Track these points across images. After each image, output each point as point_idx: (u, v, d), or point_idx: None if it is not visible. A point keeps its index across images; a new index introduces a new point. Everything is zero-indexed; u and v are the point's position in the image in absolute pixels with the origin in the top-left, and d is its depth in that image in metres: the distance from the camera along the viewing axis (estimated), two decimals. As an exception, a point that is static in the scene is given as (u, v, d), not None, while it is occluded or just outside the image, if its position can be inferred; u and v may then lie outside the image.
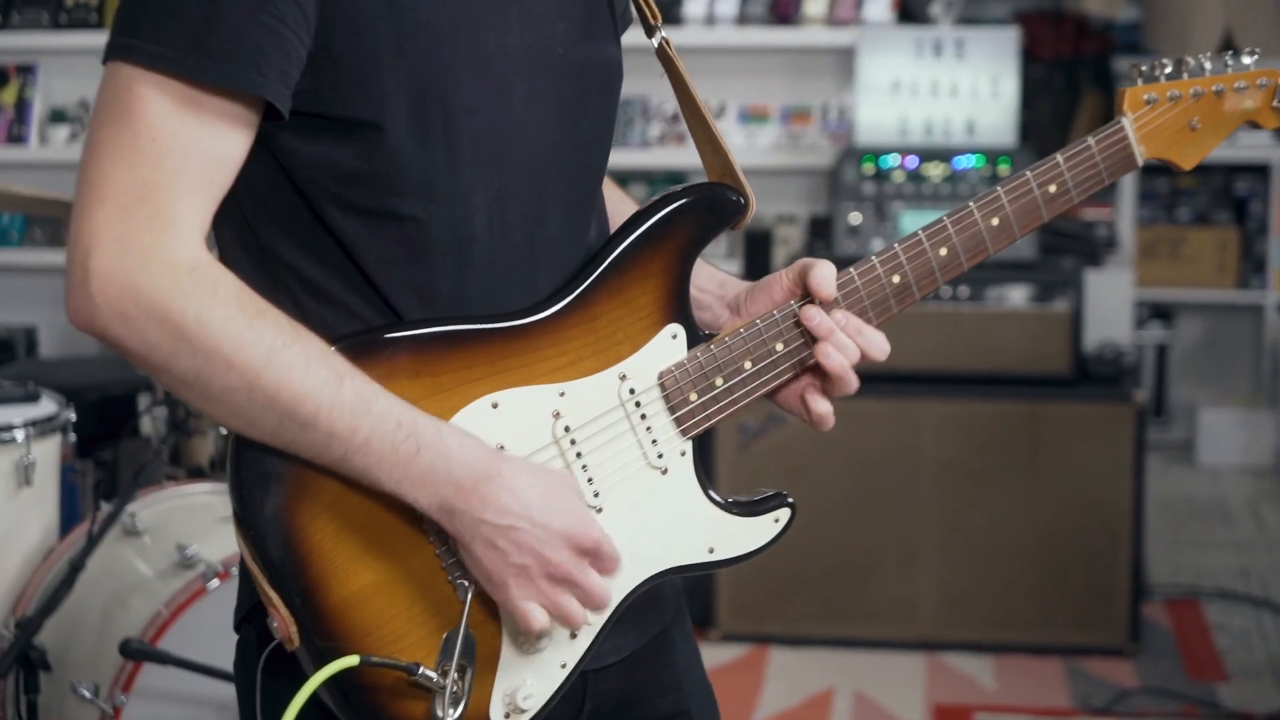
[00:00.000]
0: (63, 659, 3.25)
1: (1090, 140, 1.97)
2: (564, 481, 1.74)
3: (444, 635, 1.74)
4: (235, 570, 3.17)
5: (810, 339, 1.87)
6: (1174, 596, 5.26)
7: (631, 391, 1.82)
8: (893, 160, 5.10)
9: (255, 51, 1.62)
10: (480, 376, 1.76)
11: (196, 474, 3.76)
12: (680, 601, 2.03)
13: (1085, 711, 4.47)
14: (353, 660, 1.69)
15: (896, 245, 1.91)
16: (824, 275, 1.87)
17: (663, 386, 1.83)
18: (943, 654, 4.84)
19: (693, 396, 1.84)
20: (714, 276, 1.96)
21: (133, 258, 1.61)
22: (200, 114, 1.63)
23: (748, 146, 5.72)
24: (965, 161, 5.08)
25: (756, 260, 5.21)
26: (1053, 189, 1.95)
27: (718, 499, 1.87)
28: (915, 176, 5.07)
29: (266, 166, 1.72)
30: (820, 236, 5.38)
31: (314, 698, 1.70)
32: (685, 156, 5.78)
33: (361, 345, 1.72)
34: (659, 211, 1.84)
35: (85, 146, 1.65)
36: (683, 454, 1.85)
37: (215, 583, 3.19)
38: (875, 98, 5.31)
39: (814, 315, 1.87)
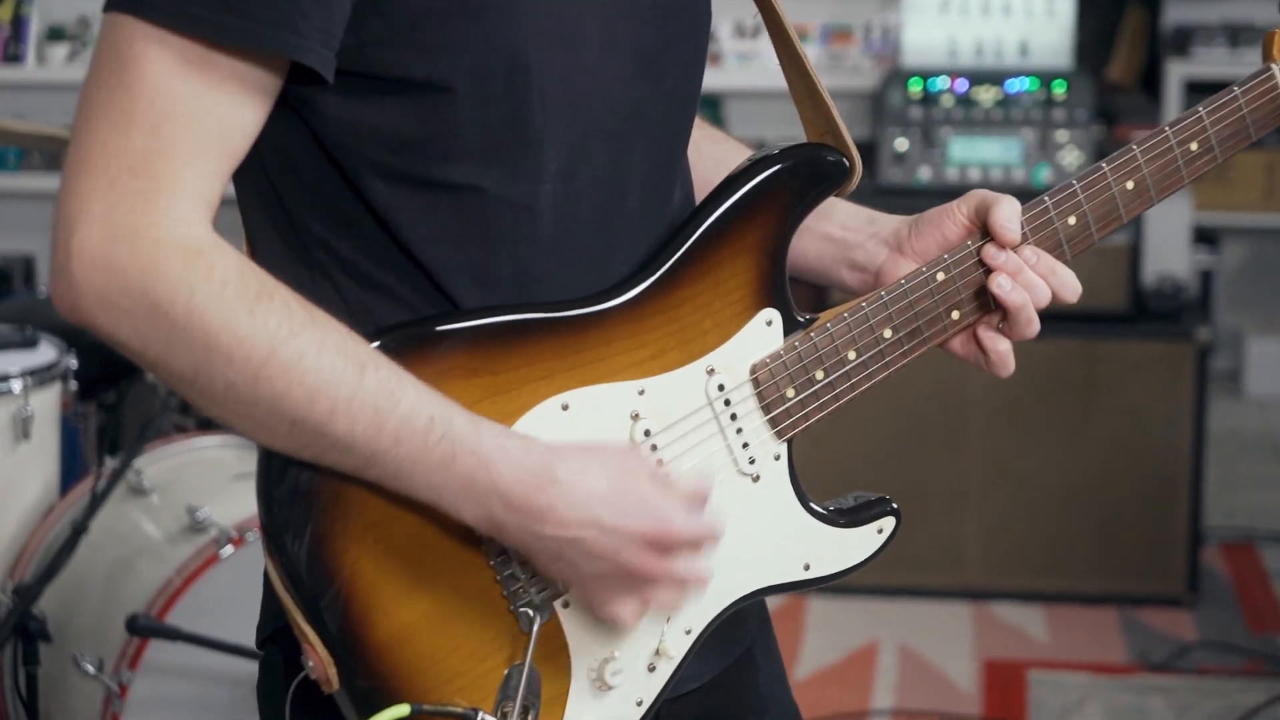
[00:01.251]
0: (64, 629, 3.02)
1: (1236, 90, 1.71)
2: (631, 469, 1.47)
3: (505, 672, 1.51)
4: (250, 537, 2.94)
5: (979, 293, 1.64)
6: (1230, 541, 5.02)
7: (721, 388, 1.57)
8: (941, 83, 4.82)
9: (290, 6, 1.36)
10: (548, 374, 1.51)
11: (206, 425, 3.52)
12: (764, 614, 1.78)
13: (1144, 667, 4.24)
14: (403, 710, 1.45)
15: (1074, 182, 1.67)
16: (1009, 215, 1.63)
17: (756, 382, 1.58)
18: (991, 603, 4.61)
19: (789, 393, 1.59)
20: (857, 213, 1.72)
21: (120, 236, 1.35)
22: (212, 75, 1.37)
23: (784, 65, 5.44)
24: (1018, 85, 4.79)
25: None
26: (1194, 146, 1.69)
27: (817, 509, 1.62)
28: (965, 101, 4.79)
29: (299, 133, 1.47)
30: (867, 161, 5.09)
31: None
32: (720, 78, 5.51)
33: (408, 340, 1.47)
34: (752, 179, 1.58)
35: (77, 109, 1.40)
36: (777, 458, 1.60)
37: (229, 549, 2.95)
38: (922, 16, 5.02)
39: (999, 254, 1.63)
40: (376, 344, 1.45)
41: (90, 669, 2.91)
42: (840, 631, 4.46)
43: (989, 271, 1.64)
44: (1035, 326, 1.66)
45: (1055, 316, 1.70)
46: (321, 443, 1.41)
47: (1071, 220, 1.67)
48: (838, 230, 1.71)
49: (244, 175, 1.50)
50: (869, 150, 5.05)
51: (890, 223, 1.71)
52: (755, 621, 1.74)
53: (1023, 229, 1.65)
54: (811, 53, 5.52)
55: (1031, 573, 4.61)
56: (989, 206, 1.65)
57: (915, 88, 4.82)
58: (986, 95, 4.79)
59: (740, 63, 5.64)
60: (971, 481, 4.61)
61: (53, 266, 1.39)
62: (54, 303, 1.40)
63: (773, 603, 4.61)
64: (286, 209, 1.50)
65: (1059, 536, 4.60)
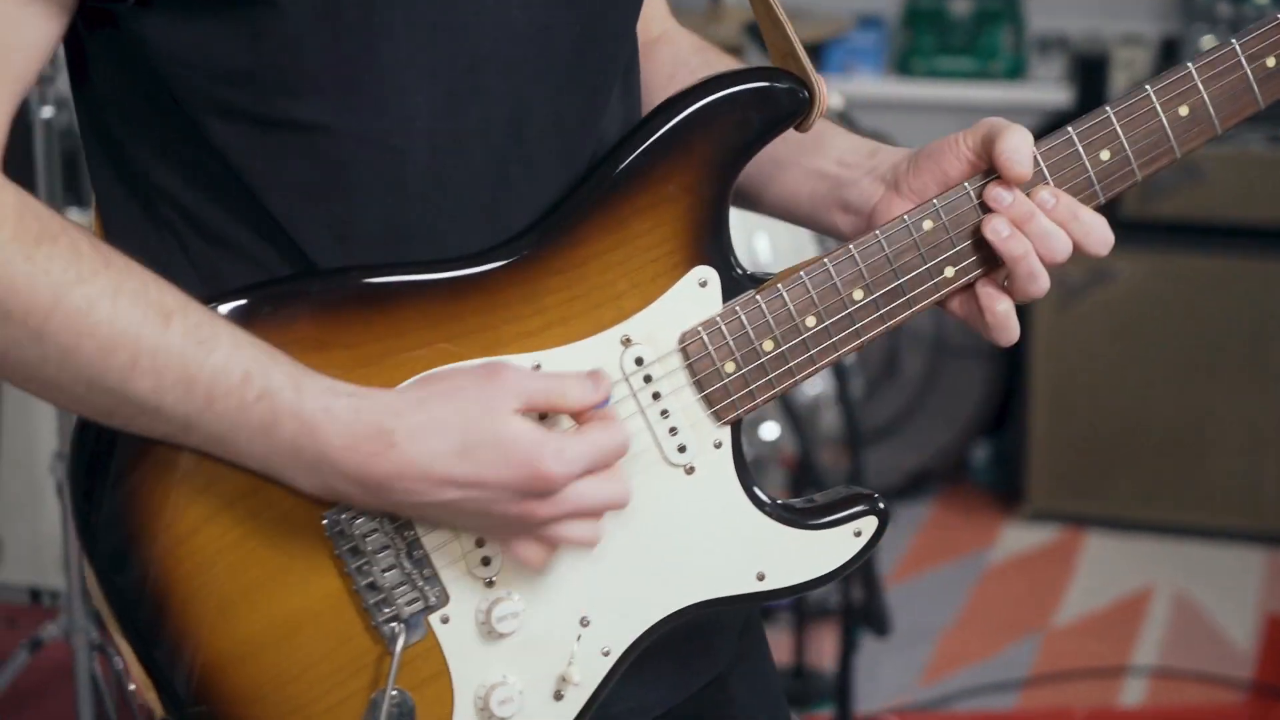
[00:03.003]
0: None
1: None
2: (489, 407, 1.22)
3: (371, 698, 1.28)
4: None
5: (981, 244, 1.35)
6: None
7: (639, 362, 1.31)
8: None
9: None
10: (417, 345, 1.27)
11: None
12: (754, 639, 1.52)
13: None
14: (221, 747, 1.24)
15: (1108, 109, 1.36)
16: (1017, 145, 1.33)
17: (685, 354, 1.31)
18: (1289, 550, 4.19)
19: (729, 368, 1.32)
20: (859, 145, 1.44)
21: None
22: None
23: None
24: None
25: (1090, 90, 4.53)
26: (1271, 62, 1.36)
27: (774, 507, 1.35)
28: (1281, -6, 4.33)
29: (130, 66, 1.26)
30: (1171, 60, 4.68)
31: None
32: None
33: (247, 307, 1.26)
34: (682, 109, 1.31)
35: None
36: (717, 445, 1.33)
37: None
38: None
39: (1004, 195, 1.34)
40: (216, 302, 1.24)
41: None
42: (1114, 573, 4.11)
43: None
44: (1042, 283, 1.35)
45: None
46: (126, 407, 1.21)
47: (1104, 155, 1.35)
48: (833, 166, 1.43)
49: (85, 122, 1.32)
50: (1174, 47, 4.61)
51: (891, 156, 1.41)
52: (730, 649, 1.47)
53: (1038, 165, 1.34)
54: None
55: (1337, 518, 4.18)
56: (996, 136, 1.34)
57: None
58: (1302, -14, 4.31)
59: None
60: (1272, 414, 4.18)
61: None
62: None
63: (1045, 534, 4.32)
64: (129, 160, 1.30)
65: (1371, 478, 4.15)
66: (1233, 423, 4.21)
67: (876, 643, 3.75)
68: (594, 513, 1.26)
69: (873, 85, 4.82)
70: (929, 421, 4.50)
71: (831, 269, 1.34)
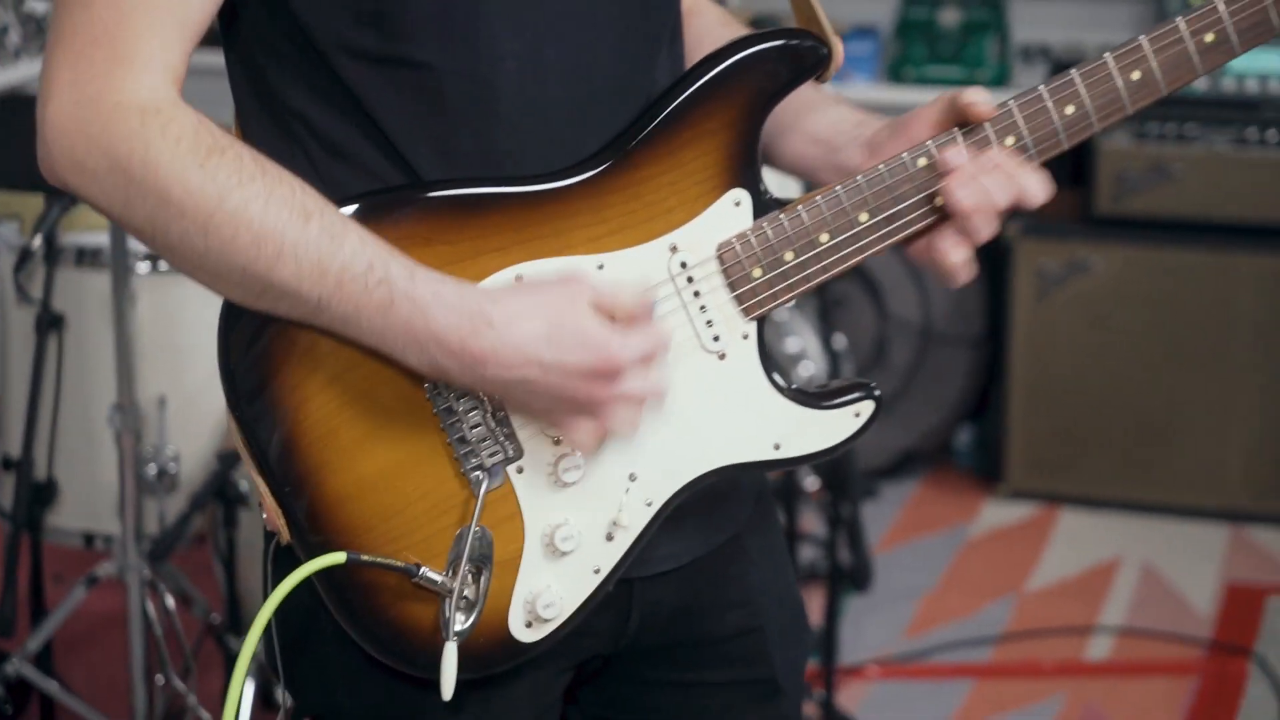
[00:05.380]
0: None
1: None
2: (571, 300, 1.51)
3: (457, 533, 1.57)
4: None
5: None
6: None
7: (683, 265, 1.59)
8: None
9: None
10: (504, 245, 1.56)
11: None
12: (765, 506, 1.80)
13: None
14: (338, 558, 1.53)
15: (1074, 72, 1.64)
16: (977, 93, 1.62)
17: (720, 260, 1.60)
18: (1249, 527, 4.47)
19: (756, 273, 1.61)
20: (849, 116, 1.72)
21: (85, 101, 1.46)
22: None
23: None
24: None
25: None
26: (1209, 38, 1.64)
27: (785, 388, 1.63)
28: None
29: (274, 9, 1.54)
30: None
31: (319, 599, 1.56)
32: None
33: (367, 208, 1.54)
34: (723, 61, 1.60)
35: None
36: (745, 337, 1.62)
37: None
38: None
39: (956, 156, 1.61)
40: (342, 203, 1.52)
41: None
42: (1085, 545, 4.40)
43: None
44: (992, 229, 1.62)
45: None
46: (272, 290, 1.49)
47: (1069, 109, 1.64)
48: (826, 131, 1.71)
49: (232, 52, 1.60)
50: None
51: (874, 125, 1.70)
52: (746, 511, 1.76)
53: (1014, 115, 1.63)
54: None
55: (1294, 496, 4.47)
56: (956, 96, 1.63)
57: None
58: None
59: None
60: (1237, 399, 4.47)
61: (38, 136, 1.50)
62: (40, 167, 1.51)
63: (1022, 510, 4.61)
64: (269, 83, 1.58)
65: (1326, 460, 4.45)
66: (1199, 407, 4.50)
67: (862, 601, 4.05)
68: (639, 401, 1.54)
69: (867, 91, 5.08)
70: (916, 405, 4.77)
71: (842, 194, 1.62)
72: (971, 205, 1.60)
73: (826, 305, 4.63)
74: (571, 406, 1.52)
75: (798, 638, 1.82)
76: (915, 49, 5.13)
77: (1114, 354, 4.48)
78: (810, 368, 4.49)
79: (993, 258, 4.54)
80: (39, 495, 3.18)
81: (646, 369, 1.53)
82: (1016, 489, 4.64)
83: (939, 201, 1.63)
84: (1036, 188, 1.62)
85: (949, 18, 5.12)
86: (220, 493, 3.12)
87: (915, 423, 4.77)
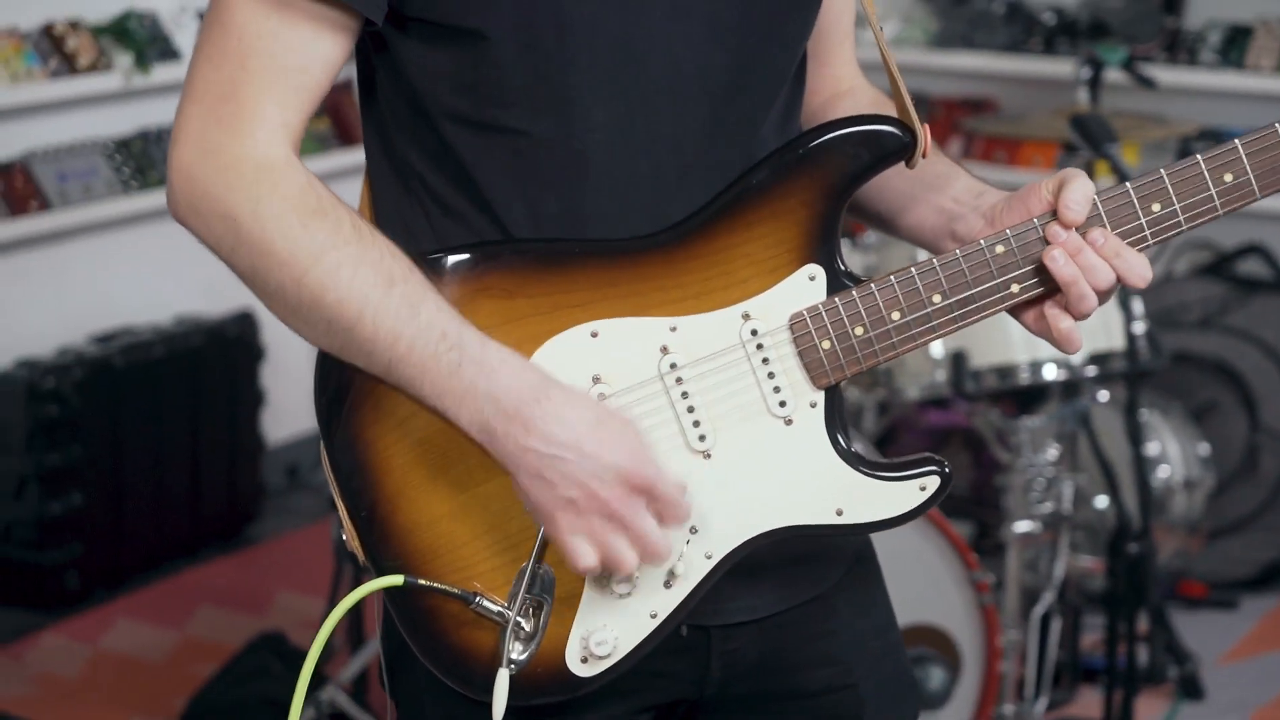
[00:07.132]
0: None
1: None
2: (622, 420, 1.62)
3: (521, 568, 1.68)
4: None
5: (1042, 269, 1.68)
6: None
7: (754, 333, 1.67)
8: None
9: None
10: (582, 302, 1.67)
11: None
12: (865, 569, 1.86)
13: None
14: (396, 580, 1.65)
15: (1162, 170, 1.68)
16: (1076, 196, 1.67)
17: (791, 330, 1.68)
18: None
19: (825, 345, 1.68)
20: (970, 186, 1.79)
21: (207, 153, 1.63)
22: (288, 16, 1.62)
23: None
24: None
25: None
26: None
27: (851, 457, 1.69)
28: None
29: (397, 80, 1.70)
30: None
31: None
32: None
33: (455, 261, 1.68)
34: (810, 142, 1.68)
35: (194, 48, 1.69)
36: (813, 405, 1.68)
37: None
38: None
39: (1060, 232, 1.67)
40: (431, 256, 1.66)
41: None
42: None
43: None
44: (1090, 303, 1.67)
45: None
46: (352, 345, 1.63)
47: (1155, 206, 1.66)
48: (949, 202, 1.77)
49: (366, 115, 1.76)
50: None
51: (993, 196, 1.75)
52: (839, 571, 1.82)
53: (1097, 209, 1.66)
54: None
55: None
56: (1065, 184, 1.67)
57: None
58: None
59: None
60: None
61: (166, 178, 1.68)
62: (167, 204, 1.69)
63: None
64: (393, 143, 1.74)
65: None
66: None
67: (1192, 709, 4.00)
68: (642, 541, 1.60)
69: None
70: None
71: (916, 275, 1.68)
72: (1070, 276, 1.66)
73: (1198, 411, 4.56)
74: (591, 504, 1.59)
75: (897, 699, 1.87)
76: None
77: None
78: (1166, 471, 4.43)
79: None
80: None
81: (665, 522, 1.62)
82: (1388, 616, 4.45)
83: (1015, 289, 1.68)
84: (1137, 271, 1.66)
85: None
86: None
87: (1282, 537, 4.64)
